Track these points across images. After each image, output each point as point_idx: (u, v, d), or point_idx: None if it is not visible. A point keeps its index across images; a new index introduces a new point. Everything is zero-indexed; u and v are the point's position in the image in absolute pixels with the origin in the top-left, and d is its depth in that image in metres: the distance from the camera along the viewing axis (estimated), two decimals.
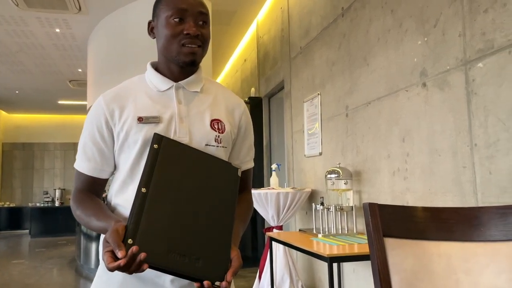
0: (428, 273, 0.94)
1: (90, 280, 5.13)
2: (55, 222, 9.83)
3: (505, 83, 1.70)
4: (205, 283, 0.87)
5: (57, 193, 10.59)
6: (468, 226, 0.98)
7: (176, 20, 1.08)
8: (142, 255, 0.83)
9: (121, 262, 0.83)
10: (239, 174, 1.07)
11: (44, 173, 11.32)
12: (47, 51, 6.42)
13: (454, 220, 0.99)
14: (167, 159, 0.96)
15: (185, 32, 1.07)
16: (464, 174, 1.92)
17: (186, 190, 0.95)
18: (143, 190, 0.90)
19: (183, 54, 1.09)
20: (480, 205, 1.83)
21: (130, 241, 0.84)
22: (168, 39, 1.09)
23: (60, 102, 9.99)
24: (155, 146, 0.96)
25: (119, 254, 0.83)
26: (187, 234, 0.91)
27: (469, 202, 1.88)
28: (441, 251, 0.97)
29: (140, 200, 0.89)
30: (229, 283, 0.91)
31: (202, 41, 1.10)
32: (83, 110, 10.28)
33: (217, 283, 0.89)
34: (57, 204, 10.42)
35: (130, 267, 0.84)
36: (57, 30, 5.59)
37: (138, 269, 0.85)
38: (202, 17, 1.11)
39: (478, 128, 1.84)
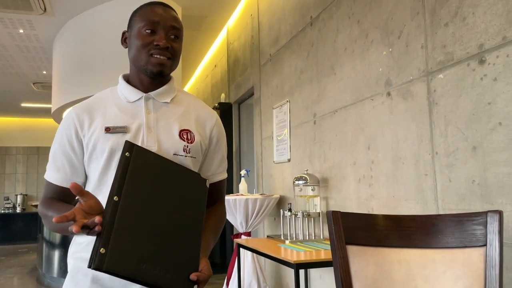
0: (388, 280, 0.96)
1: None
2: (16, 229, 9.45)
3: (463, 94, 1.78)
4: None
5: (19, 199, 10.20)
6: (426, 234, 1.01)
7: (148, 31, 1.11)
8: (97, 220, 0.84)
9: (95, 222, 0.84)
10: (207, 185, 1.08)
11: (5, 178, 10.88)
12: (10, 52, 6.21)
13: (413, 228, 1.02)
14: (138, 167, 0.95)
15: (155, 43, 1.10)
16: (425, 181, 1.98)
17: (156, 200, 0.94)
18: (115, 198, 0.89)
19: (151, 64, 1.11)
20: (441, 211, 1.89)
21: (102, 250, 0.82)
22: (138, 49, 1.11)
23: (23, 104, 9.66)
24: (127, 154, 0.95)
25: (96, 219, 0.84)
26: (157, 245, 0.90)
27: (430, 209, 1.94)
28: (401, 258, 1.00)
29: (112, 209, 0.88)
30: None
31: (172, 54, 1.13)
32: (47, 113, 9.98)
33: None
34: (18, 210, 10.03)
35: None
36: (21, 31, 5.41)
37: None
38: (174, 31, 1.13)
39: (439, 137, 1.90)
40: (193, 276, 0.93)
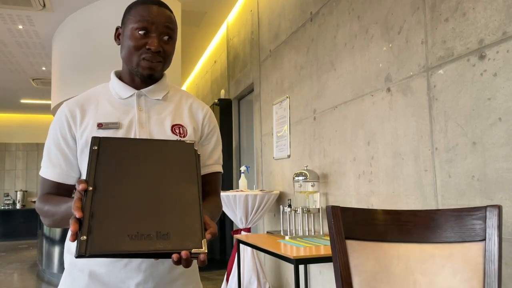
0: (387, 274, 0.96)
1: (52, 285, 4.98)
2: (16, 225, 9.47)
3: (463, 90, 1.77)
4: (183, 253, 0.85)
5: (19, 195, 10.20)
6: (425, 228, 1.01)
7: (141, 33, 1.09)
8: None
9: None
10: (195, 147, 1.06)
11: (5, 175, 10.88)
12: (9, 48, 6.19)
13: (412, 223, 1.02)
14: (109, 156, 0.98)
15: (147, 47, 1.09)
16: (425, 177, 1.98)
17: (138, 178, 0.97)
18: (89, 189, 0.91)
19: (142, 68, 1.11)
20: (440, 207, 1.89)
21: (83, 237, 0.84)
22: (130, 51, 1.11)
23: (23, 101, 9.65)
24: (94, 147, 0.97)
25: (77, 214, 0.84)
26: (147, 216, 0.91)
27: (430, 204, 1.95)
28: (400, 252, 1.00)
29: (87, 198, 0.90)
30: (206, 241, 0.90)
31: (163, 57, 1.12)
32: (47, 109, 9.97)
33: (194, 250, 0.88)
34: (18, 206, 10.04)
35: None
36: (20, 27, 5.40)
37: None
38: (168, 32, 1.12)
39: (439, 132, 1.90)
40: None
